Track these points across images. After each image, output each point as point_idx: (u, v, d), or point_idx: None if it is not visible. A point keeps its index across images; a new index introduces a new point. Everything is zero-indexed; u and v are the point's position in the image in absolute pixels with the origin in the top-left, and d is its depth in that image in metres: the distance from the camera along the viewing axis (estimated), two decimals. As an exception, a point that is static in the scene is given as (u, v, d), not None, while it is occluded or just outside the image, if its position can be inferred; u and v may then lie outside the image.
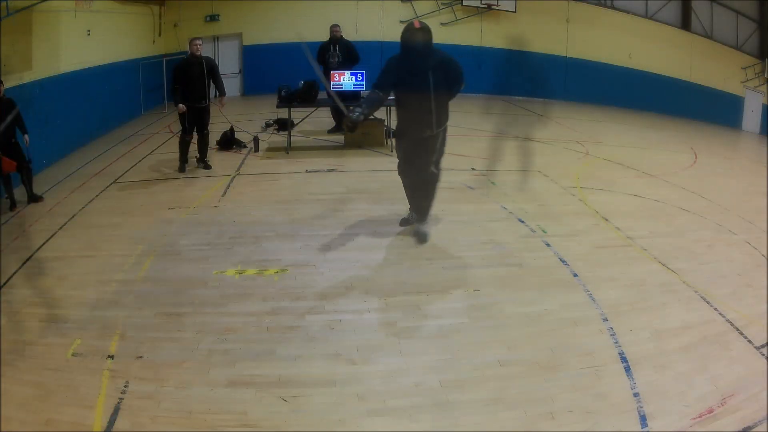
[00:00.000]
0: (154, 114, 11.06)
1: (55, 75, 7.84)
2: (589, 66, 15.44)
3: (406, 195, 5.10)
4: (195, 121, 6.98)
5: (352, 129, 4.55)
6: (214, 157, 7.80)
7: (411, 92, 4.47)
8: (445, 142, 4.87)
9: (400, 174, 4.99)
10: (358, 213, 5.60)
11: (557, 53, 15.42)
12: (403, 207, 5.78)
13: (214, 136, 8.35)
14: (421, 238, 4.98)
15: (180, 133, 7.11)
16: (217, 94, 7.18)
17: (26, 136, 5.95)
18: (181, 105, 6.81)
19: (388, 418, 2.83)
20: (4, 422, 2.68)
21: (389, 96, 4.63)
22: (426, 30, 4.33)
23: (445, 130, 4.78)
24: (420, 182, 4.92)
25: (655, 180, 7.63)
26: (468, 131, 10.20)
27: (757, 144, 13.68)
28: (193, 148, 7.29)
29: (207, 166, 7.20)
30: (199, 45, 6.86)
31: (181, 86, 6.76)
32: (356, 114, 4.32)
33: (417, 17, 14.64)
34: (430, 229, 5.14)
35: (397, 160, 4.95)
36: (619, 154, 9.05)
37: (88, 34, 9.11)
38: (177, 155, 7.17)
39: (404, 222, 5.24)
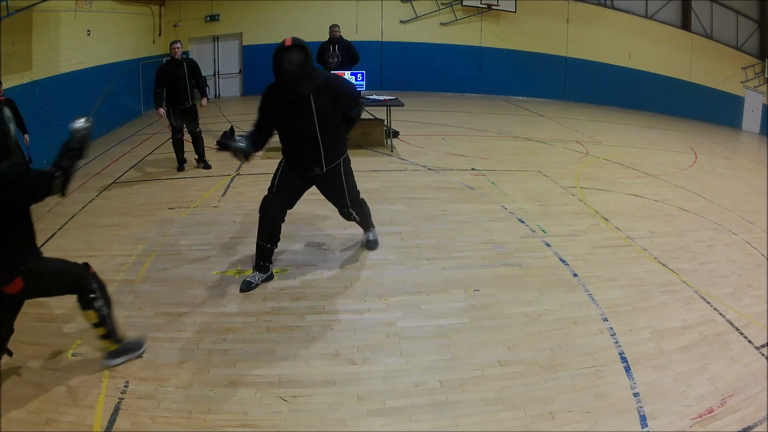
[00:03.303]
0: (155, 114, 11.06)
1: (55, 75, 7.86)
2: (589, 66, 15.45)
3: (258, 231, 4.06)
4: (182, 121, 7.04)
5: (240, 156, 3.80)
6: (214, 157, 7.79)
7: (291, 125, 3.81)
8: (351, 180, 4.21)
9: (261, 206, 4.02)
10: (358, 213, 5.60)
11: (557, 53, 15.44)
12: (402, 207, 5.79)
13: (214, 136, 8.35)
14: (371, 246, 4.74)
15: (171, 133, 7.17)
16: (200, 95, 7.21)
17: (26, 136, 5.96)
18: (160, 110, 6.93)
19: (388, 418, 2.83)
20: (4, 422, 2.68)
21: (273, 132, 3.92)
22: (300, 46, 3.53)
23: (345, 166, 4.10)
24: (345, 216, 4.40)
25: (655, 180, 7.64)
26: (468, 131, 10.21)
27: (757, 144, 13.69)
28: (191, 147, 7.31)
29: (207, 166, 7.21)
30: (177, 48, 6.91)
31: (165, 90, 6.86)
32: (239, 147, 3.73)
33: (417, 17, 14.66)
34: (379, 238, 4.86)
35: (272, 186, 4.04)
36: (619, 154, 9.05)
37: (88, 34, 9.12)
38: (175, 155, 7.22)
39: (247, 284, 4.07)
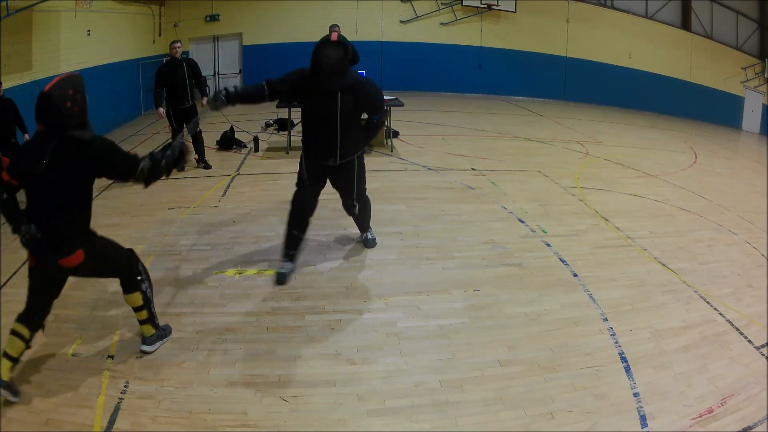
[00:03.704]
0: (155, 114, 11.06)
1: (55, 75, 7.85)
2: (589, 66, 15.45)
3: (287, 222, 4.21)
4: (182, 121, 7.03)
5: (215, 107, 3.74)
6: (214, 157, 7.80)
7: (314, 114, 3.99)
8: (363, 176, 4.35)
9: (294, 197, 4.21)
10: (358, 213, 5.60)
11: (557, 53, 15.44)
12: (402, 207, 5.79)
13: (214, 136, 8.37)
14: (369, 244, 4.80)
15: (171, 133, 7.18)
16: (200, 95, 7.22)
17: (26, 136, 5.95)
18: (160, 109, 6.95)
19: (388, 418, 2.83)
20: (4, 422, 2.68)
21: (267, 98, 3.92)
22: (341, 45, 3.68)
23: (359, 162, 4.25)
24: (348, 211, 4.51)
25: (655, 180, 7.64)
26: (468, 131, 10.21)
27: (757, 144, 13.69)
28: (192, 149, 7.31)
29: (207, 166, 7.21)
30: (177, 48, 6.92)
31: (165, 90, 6.87)
32: (220, 96, 3.69)
33: (417, 17, 14.66)
34: (375, 240, 4.84)
35: (302, 179, 4.20)
36: (619, 154, 9.05)
37: (88, 34, 9.12)
38: None
39: (278, 275, 4.22)
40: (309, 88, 3.83)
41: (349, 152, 4.11)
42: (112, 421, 2.72)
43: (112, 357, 3.24)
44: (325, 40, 3.66)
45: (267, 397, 2.93)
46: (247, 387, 3.01)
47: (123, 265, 3.08)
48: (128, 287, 3.11)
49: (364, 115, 4.19)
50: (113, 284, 4.05)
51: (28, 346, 2.93)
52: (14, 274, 4.28)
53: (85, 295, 3.91)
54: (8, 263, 4.43)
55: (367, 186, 4.49)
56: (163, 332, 3.37)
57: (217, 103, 3.71)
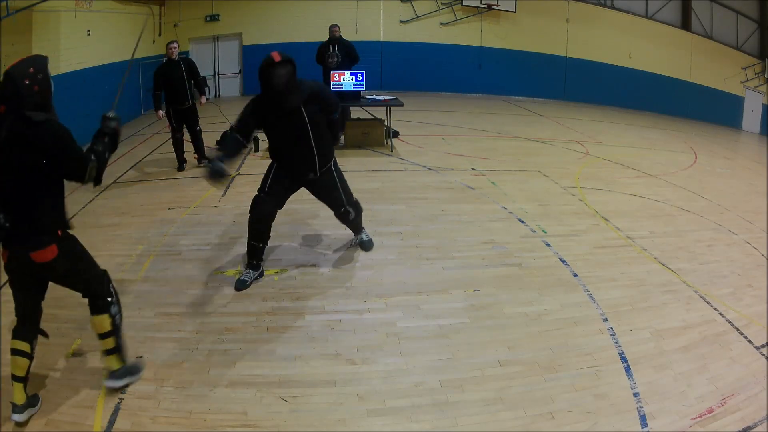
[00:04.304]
0: (154, 114, 11.08)
1: (55, 75, 7.83)
2: (589, 66, 15.45)
3: (248, 232, 4.13)
4: (182, 121, 7.07)
5: (216, 178, 3.55)
6: (214, 157, 7.80)
7: (284, 135, 3.94)
8: (343, 178, 4.33)
9: (252, 206, 4.10)
10: (358, 213, 5.60)
11: (557, 53, 15.44)
12: (402, 207, 5.79)
13: (214, 136, 8.36)
14: (366, 246, 4.74)
15: (171, 133, 7.19)
16: (199, 94, 7.23)
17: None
18: (159, 112, 6.99)
19: (388, 418, 2.83)
20: (4, 422, 2.68)
21: (250, 140, 3.95)
22: (287, 61, 3.63)
23: (334, 166, 4.25)
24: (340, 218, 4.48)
25: (655, 180, 7.64)
26: (468, 131, 10.21)
27: (757, 144, 13.69)
28: (191, 148, 7.31)
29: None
30: (174, 48, 6.92)
31: (163, 90, 6.88)
32: (218, 166, 3.51)
33: (417, 17, 14.67)
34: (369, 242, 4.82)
35: (264, 187, 4.10)
36: (619, 154, 9.05)
37: (88, 34, 9.12)
38: (175, 155, 7.23)
39: (241, 283, 4.12)
40: (271, 112, 3.79)
41: (325, 161, 4.11)
42: (112, 421, 2.72)
43: (112, 357, 3.23)
44: (269, 62, 3.59)
45: (267, 397, 2.93)
46: (247, 387, 3.01)
47: (96, 279, 2.86)
48: (96, 307, 2.85)
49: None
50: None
51: (32, 359, 2.78)
52: (14, 274, 4.28)
53: (85, 295, 3.91)
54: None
55: (350, 187, 4.42)
56: (133, 369, 3.02)
57: (223, 180, 3.59)
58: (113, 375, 2.94)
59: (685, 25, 15.72)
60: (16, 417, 2.67)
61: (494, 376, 3.15)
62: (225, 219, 5.42)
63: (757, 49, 15.80)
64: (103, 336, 2.88)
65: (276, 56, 3.61)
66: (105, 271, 2.95)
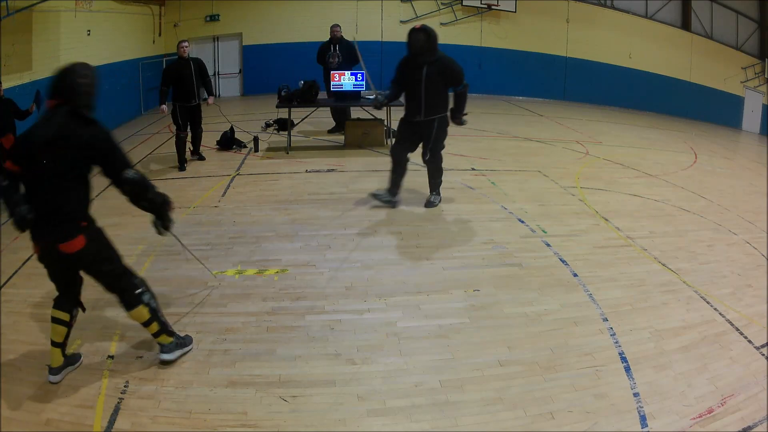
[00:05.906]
0: (154, 114, 11.06)
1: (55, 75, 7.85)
2: (589, 66, 15.44)
3: (390, 173, 5.65)
4: (188, 119, 7.13)
5: (378, 107, 5.98)
6: (214, 157, 7.81)
7: (408, 83, 5.33)
8: (440, 135, 5.46)
9: (390, 153, 5.66)
10: (358, 213, 5.61)
11: (557, 53, 15.44)
12: (402, 207, 5.79)
13: (214, 136, 8.37)
14: (429, 204, 5.77)
15: (176, 132, 7.20)
16: (206, 94, 7.32)
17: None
18: (163, 106, 7.07)
19: (388, 418, 2.83)
20: (4, 422, 2.68)
21: (401, 93, 5.50)
22: (423, 30, 5.12)
23: (439, 123, 5.37)
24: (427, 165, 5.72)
25: (655, 180, 7.64)
26: (468, 131, 10.19)
27: (757, 144, 13.69)
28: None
29: (201, 158, 7.37)
30: (185, 47, 7.02)
31: (172, 88, 6.96)
32: (379, 98, 5.91)
33: (417, 17, 14.66)
34: (439, 203, 5.84)
35: (398, 138, 5.64)
36: (619, 154, 9.05)
37: (88, 34, 9.12)
38: (177, 155, 7.22)
39: (373, 196, 5.72)
40: (407, 64, 5.34)
41: (431, 113, 5.30)
42: (112, 421, 2.72)
43: (112, 357, 3.24)
44: (412, 29, 5.19)
45: (267, 397, 2.93)
46: (247, 387, 3.01)
47: (121, 275, 2.96)
48: (129, 303, 2.96)
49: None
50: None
51: (70, 327, 2.99)
52: (14, 274, 4.29)
53: (86, 295, 3.88)
54: (8, 263, 4.43)
55: (443, 149, 5.66)
56: (183, 341, 3.22)
57: (379, 109, 6.45)
58: (165, 349, 3.13)
59: (685, 25, 15.72)
60: (52, 378, 2.93)
61: (494, 376, 3.15)
62: (225, 219, 5.42)
63: (757, 49, 15.79)
64: (145, 324, 3.04)
65: (417, 26, 5.22)
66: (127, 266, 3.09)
